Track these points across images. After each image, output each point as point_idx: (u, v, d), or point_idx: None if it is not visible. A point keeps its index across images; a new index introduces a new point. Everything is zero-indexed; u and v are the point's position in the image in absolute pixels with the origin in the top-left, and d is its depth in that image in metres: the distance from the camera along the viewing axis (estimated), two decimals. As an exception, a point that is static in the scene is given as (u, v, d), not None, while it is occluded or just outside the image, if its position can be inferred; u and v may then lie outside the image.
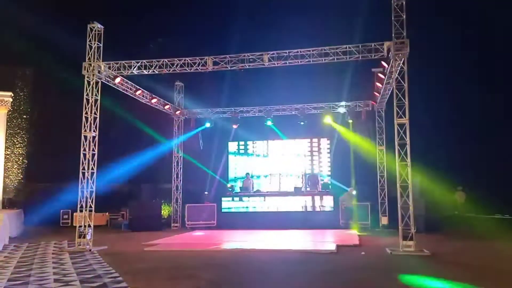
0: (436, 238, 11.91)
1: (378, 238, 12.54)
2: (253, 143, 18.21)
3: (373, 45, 10.83)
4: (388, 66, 11.25)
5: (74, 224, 15.89)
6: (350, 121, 16.11)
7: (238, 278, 7.37)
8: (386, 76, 12.10)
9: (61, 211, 17.66)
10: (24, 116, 18.89)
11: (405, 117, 10.01)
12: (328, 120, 16.20)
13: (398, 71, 10.28)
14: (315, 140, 17.69)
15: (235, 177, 18.06)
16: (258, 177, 17.79)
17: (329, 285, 6.78)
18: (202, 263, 8.81)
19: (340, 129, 16.75)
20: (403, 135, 9.97)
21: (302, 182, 16.99)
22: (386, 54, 10.69)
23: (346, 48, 11.03)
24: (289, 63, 11.49)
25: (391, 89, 12.44)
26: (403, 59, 10.16)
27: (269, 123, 16.68)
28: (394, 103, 10.14)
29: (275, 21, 16.74)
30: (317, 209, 15.83)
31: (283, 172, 17.73)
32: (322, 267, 8.22)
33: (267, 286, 6.79)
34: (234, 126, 17.13)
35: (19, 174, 18.66)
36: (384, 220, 15.22)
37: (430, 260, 8.84)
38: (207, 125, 17.31)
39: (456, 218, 16.30)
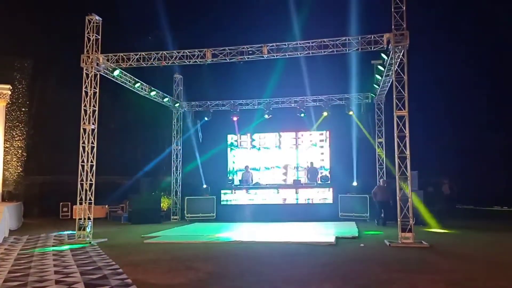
0: (434, 230, 11.93)
1: (377, 230, 12.57)
2: (252, 136, 18.18)
3: (372, 37, 10.80)
4: (388, 58, 11.22)
5: (73, 217, 15.93)
6: (351, 113, 16.08)
7: (237, 270, 7.40)
8: (386, 69, 12.08)
9: (61, 203, 17.69)
10: (23, 109, 18.84)
11: (404, 110, 10.00)
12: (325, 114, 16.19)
13: (398, 63, 10.25)
14: (315, 133, 17.66)
15: (236, 170, 18.03)
16: (254, 169, 17.76)
17: (328, 277, 6.80)
18: (202, 255, 8.83)
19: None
20: (403, 127, 9.97)
21: (308, 176, 16.83)
22: (386, 46, 10.66)
23: (345, 40, 11.00)
24: (288, 55, 11.46)
25: (390, 81, 12.43)
26: (403, 51, 10.13)
27: (267, 116, 16.65)
28: (394, 96, 10.13)
29: (274, 13, 16.65)
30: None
31: (282, 165, 17.73)
32: (321, 258, 8.26)
33: (267, 277, 6.81)
34: (234, 119, 17.09)
35: (18, 167, 18.65)
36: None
37: (428, 251, 8.88)
38: (206, 118, 17.31)
39: (454, 211, 16.38)
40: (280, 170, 17.69)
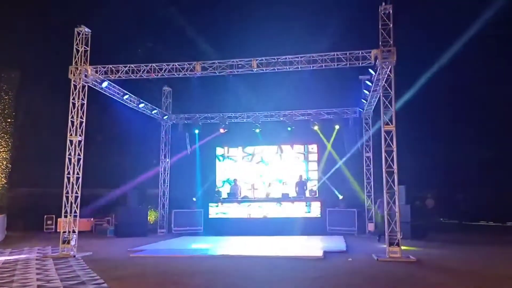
0: (421, 245, 11.99)
1: (365, 244, 12.58)
2: (241, 149, 18.15)
3: (360, 52, 10.94)
4: (375, 73, 11.37)
5: (58, 230, 15.66)
6: (337, 126, 16.17)
7: (225, 285, 7.31)
8: (373, 84, 12.23)
9: (45, 216, 17.37)
10: (9, 120, 18.58)
11: (392, 124, 10.11)
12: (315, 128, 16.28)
13: (385, 78, 10.40)
14: (302, 146, 17.72)
15: (224, 181, 17.97)
16: (245, 183, 17.73)
17: (316, 291, 6.77)
18: (189, 269, 8.73)
19: (326, 139, 16.78)
20: (390, 142, 10.06)
21: (296, 190, 16.77)
22: (374, 61, 10.81)
23: (334, 55, 11.13)
24: (277, 69, 11.54)
25: (378, 97, 12.58)
26: (390, 67, 10.28)
27: (257, 130, 16.68)
28: (381, 110, 10.24)
29: (264, 28, 16.81)
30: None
31: (270, 178, 17.72)
32: (310, 273, 8.22)
33: (254, 292, 6.76)
34: (222, 131, 17.06)
35: (2, 179, 18.31)
36: (371, 227, 15.30)
37: (416, 266, 8.91)
38: (196, 131, 17.30)
39: (441, 225, 16.52)
40: (269, 184, 17.66)
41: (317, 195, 16.63)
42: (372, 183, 15.63)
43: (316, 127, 16.25)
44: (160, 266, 9.13)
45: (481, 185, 17.40)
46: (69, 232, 10.82)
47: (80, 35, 11.39)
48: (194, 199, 17.14)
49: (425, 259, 9.59)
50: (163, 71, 12.06)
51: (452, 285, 7.10)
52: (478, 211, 17.45)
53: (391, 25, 10.17)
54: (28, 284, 7.19)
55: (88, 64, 11.54)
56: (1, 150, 18.40)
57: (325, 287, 7.03)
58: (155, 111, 16.12)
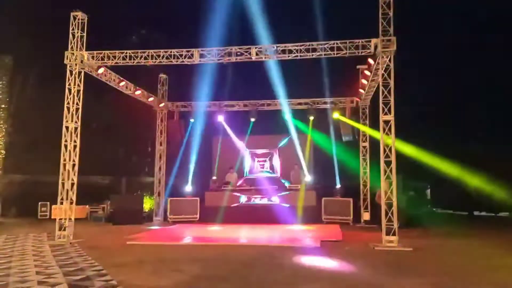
0: (416, 234, 12.08)
1: (361, 234, 12.66)
2: (236, 137, 18.09)
3: (360, 41, 10.90)
4: (375, 63, 11.33)
5: (52, 217, 15.58)
6: (336, 114, 16.08)
7: (223, 272, 7.33)
8: (372, 73, 12.19)
9: (39, 203, 17.26)
10: (2, 106, 18.36)
11: (390, 114, 10.11)
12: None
13: (384, 68, 10.37)
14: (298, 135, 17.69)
15: (219, 171, 17.93)
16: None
17: (314, 279, 6.81)
18: (187, 257, 8.74)
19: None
20: (388, 132, 10.07)
21: (291, 179, 16.80)
22: (373, 51, 10.76)
23: (333, 44, 11.08)
24: (276, 57, 11.45)
25: (375, 86, 12.56)
26: (390, 56, 10.24)
27: (252, 119, 16.61)
28: (380, 100, 10.23)
29: (263, 15, 16.63)
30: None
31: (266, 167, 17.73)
32: (307, 261, 8.27)
33: (252, 280, 6.78)
34: (219, 119, 16.99)
35: (-4, 165, 18.17)
36: (366, 216, 15.38)
37: (412, 255, 8.99)
38: (191, 120, 17.22)
39: (434, 214, 16.69)
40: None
41: (312, 184, 16.63)
42: (368, 173, 15.66)
43: (311, 117, 16.26)
44: (158, 253, 9.13)
45: (475, 176, 17.51)
46: (65, 219, 10.77)
47: (76, 19, 11.22)
48: (190, 187, 17.10)
49: (421, 248, 9.67)
50: (160, 57, 11.94)
51: (449, 274, 7.17)
52: (472, 201, 17.59)
53: (391, 14, 10.12)
54: (26, 270, 7.16)
55: (84, 50, 11.39)
56: (-6, 136, 18.21)
57: (324, 276, 7.07)
58: (151, 98, 15.98)
